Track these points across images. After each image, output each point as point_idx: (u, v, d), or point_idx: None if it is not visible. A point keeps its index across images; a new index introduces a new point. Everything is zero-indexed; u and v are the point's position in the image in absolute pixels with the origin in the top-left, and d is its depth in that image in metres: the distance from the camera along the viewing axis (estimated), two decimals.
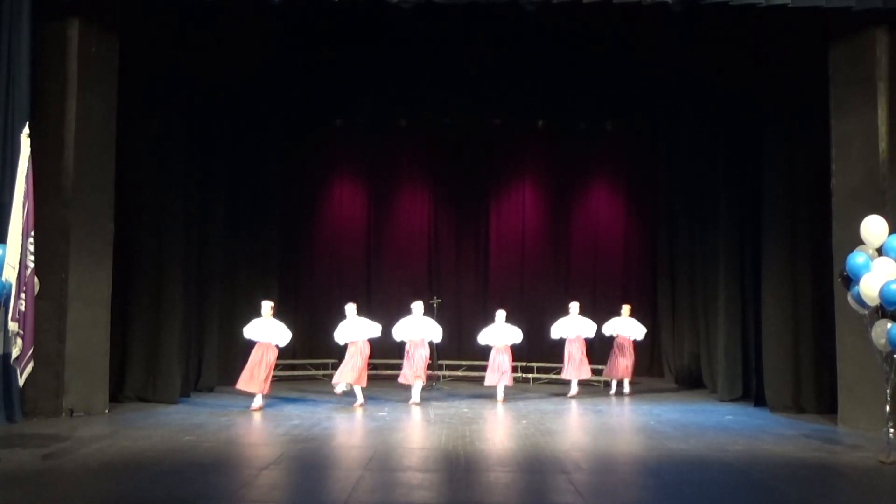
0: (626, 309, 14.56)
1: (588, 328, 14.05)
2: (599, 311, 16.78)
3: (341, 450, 9.31)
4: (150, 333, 12.18)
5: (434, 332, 12.91)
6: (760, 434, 10.14)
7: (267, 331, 11.89)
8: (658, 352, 16.76)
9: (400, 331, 12.87)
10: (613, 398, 13.85)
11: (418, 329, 12.78)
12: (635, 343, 14.50)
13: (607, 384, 14.75)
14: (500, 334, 13.36)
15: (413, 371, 12.54)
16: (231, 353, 14.37)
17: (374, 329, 12.36)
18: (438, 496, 6.97)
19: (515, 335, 13.40)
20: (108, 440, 9.07)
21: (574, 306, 14.21)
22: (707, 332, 15.08)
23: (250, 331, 11.96)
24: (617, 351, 14.34)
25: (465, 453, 8.71)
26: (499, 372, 13.09)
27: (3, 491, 6.79)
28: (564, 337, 14.00)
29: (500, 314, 13.55)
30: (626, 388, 14.21)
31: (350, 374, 12.00)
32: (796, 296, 11.91)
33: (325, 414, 11.45)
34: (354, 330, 12.30)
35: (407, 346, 12.76)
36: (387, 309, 16.86)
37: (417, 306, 13.00)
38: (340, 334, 12.35)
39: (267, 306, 12.08)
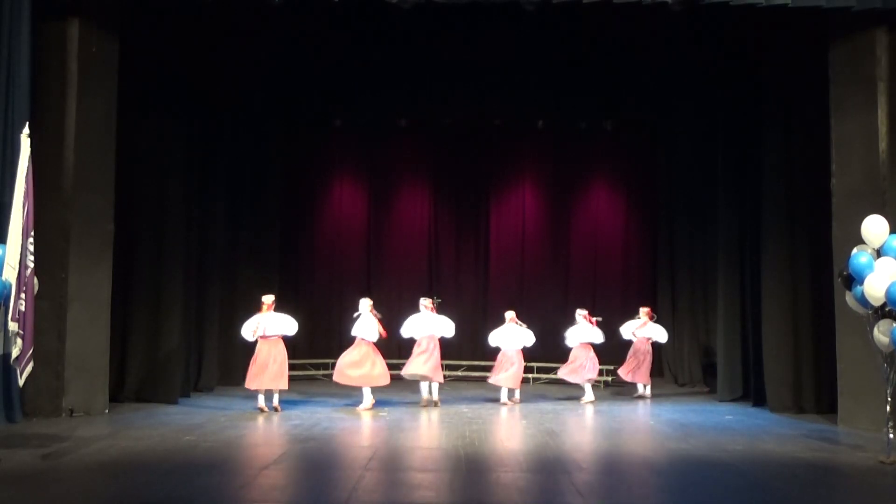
0: (643, 312, 14.31)
1: (596, 335, 13.54)
2: (599, 310, 16.78)
3: (341, 450, 9.31)
4: (150, 333, 12.17)
5: (447, 327, 12.57)
6: (760, 434, 10.14)
7: (270, 325, 11.69)
8: (658, 352, 16.74)
9: (411, 328, 12.56)
10: (641, 401, 13.58)
11: (431, 325, 12.48)
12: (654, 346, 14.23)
13: (607, 384, 14.72)
14: (510, 337, 12.95)
15: (431, 366, 12.21)
16: (231, 353, 14.37)
17: (374, 332, 12.10)
18: (439, 496, 6.97)
19: (527, 338, 12.95)
20: (108, 440, 9.06)
21: (579, 314, 13.70)
22: (707, 332, 15.07)
23: (249, 329, 11.74)
24: (632, 354, 14.08)
25: (465, 453, 8.70)
26: (506, 371, 12.77)
27: (3, 491, 6.79)
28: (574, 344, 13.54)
29: (509, 315, 13.14)
30: (647, 392, 13.87)
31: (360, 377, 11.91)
32: (796, 296, 11.91)
33: (326, 414, 11.46)
34: (365, 327, 12.01)
35: (421, 343, 12.39)
36: (387, 308, 16.86)
37: (425, 303, 12.76)
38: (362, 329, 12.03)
39: (268, 300, 11.89)
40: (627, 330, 14.26)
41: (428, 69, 15.28)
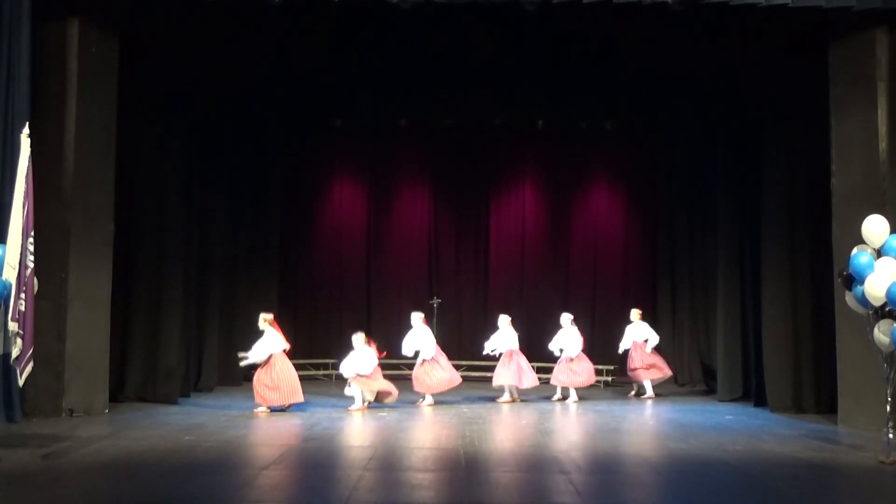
0: (635, 314, 14.33)
1: (575, 346, 13.49)
2: (599, 311, 16.84)
3: (341, 450, 9.32)
4: (150, 333, 12.17)
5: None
6: (760, 434, 10.14)
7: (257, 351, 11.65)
8: (658, 352, 16.73)
9: (411, 346, 12.63)
10: (640, 401, 13.66)
11: (430, 342, 12.61)
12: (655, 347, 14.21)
13: (607, 384, 14.73)
14: (506, 340, 13.19)
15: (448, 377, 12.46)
16: (231, 354, 14.36)
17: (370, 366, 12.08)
18: (438, 496, 6.97)
19: (514, 341, 13.22)
20: (108, 440, 9.06)
21: (565, 318, 13.77)
22: (707, 332, 15.07)
23: (277, 347, 11.69)
24: (633, 354, 14.08)
25: (465, 453, 8.71)
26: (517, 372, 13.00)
27: (3, 491, 6.79)
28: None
29: (503, 319, 13.32)
30: (648, 391, 13.89)
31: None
32: (796, 296, 11.91)
33: (326, 414, 11.46)
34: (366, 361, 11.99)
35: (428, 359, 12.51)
36: (387, 308, 16.94)
37: (417, 317, 12.86)
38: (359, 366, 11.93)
39: (270, 317, 11.88)
40: (626, 341, 14.20)
41: (428, 69, 15.28)
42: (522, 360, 13.26)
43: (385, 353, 12.34)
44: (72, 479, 7.38)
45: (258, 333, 11.73)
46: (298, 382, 11.67)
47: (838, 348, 10.73)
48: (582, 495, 6.99)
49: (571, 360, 13.37)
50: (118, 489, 7.08)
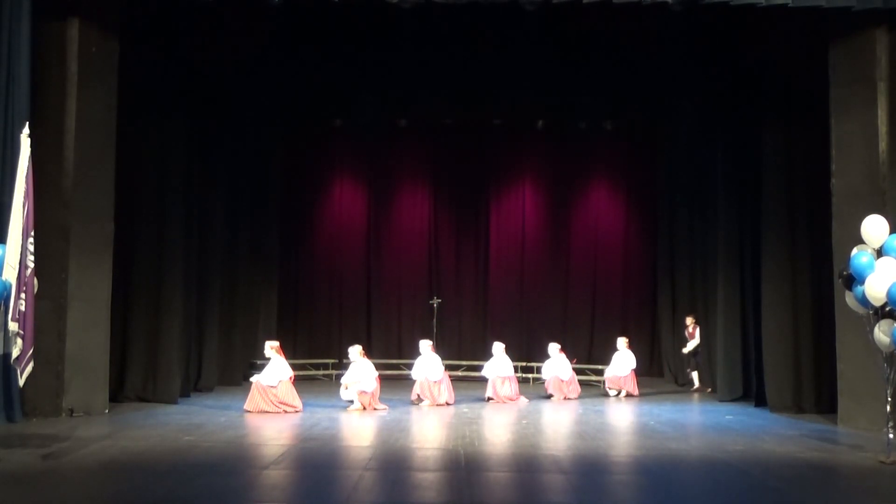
0: (622, 342, 14.55)
1: (565, 370, 13.91)
2: (599, 311, 16.84)
3: (341, 450, 9.32)
4: (150, 333, 12.17)
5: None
6: (760, 434, 10.14)
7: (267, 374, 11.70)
8: (658, 352, 16.76)
9: (421, 371, 12.78)
10: (622, 399, 13.94)
11: (437, 367, 12.78)
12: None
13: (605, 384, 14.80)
14: (500, 366, 13.38)
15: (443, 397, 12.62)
16: (231, 354, 14.38)
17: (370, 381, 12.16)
18: (438, 496, 6.97)
19: (508, 367, 13.44)
20: (108, 440, 9.07)
21: (553, 348, 14.09)
22: (707, 332, 15.08)
23: (283, 375, 11.71)
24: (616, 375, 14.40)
25: (465, 453, 8.71)
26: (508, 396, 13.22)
27: (3, 491, 6.79)
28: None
29: (498, 346, 13.55)
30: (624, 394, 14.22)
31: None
32: (796, 296, 11.91)
33: (326, 414, 11.46)
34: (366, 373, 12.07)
35: (433, 380, 12.68)
36: (387, 307, 16.94)
37: (425, 344, 13.01)
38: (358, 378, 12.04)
39: (276, 345, 11.99)
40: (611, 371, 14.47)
41: (429, 69, 15.26)
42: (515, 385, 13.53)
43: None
44: (72, 479, 7.39)
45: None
46: (300, 405, 11.64)
47: (838, 348, 10.73)
48: (582, 495, 6.99)
49: (563, 381, 13.78)
50: (118, 489, 7.09)
